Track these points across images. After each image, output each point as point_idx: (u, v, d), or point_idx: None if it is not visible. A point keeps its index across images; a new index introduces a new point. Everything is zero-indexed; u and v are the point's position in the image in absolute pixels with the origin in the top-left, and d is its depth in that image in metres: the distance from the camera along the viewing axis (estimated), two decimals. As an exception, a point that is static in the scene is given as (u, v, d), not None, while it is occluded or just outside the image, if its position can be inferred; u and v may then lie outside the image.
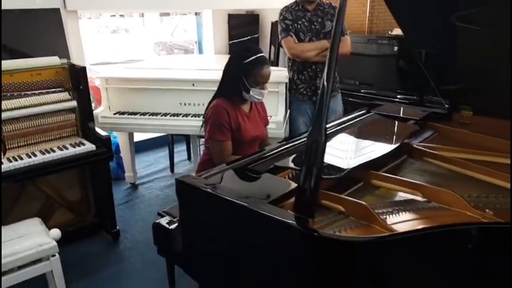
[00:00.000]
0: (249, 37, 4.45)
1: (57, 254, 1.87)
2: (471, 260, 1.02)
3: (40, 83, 2.36)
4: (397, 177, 1.39)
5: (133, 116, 2.90)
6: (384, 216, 1.21)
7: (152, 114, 2.90)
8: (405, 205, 1.28)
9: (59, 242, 1.91)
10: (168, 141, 3.60)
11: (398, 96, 3.49)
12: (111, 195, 2.60)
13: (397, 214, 1.23)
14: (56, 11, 2.56)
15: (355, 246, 0.94)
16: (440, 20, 1.71)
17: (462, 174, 1.50)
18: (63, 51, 2.55)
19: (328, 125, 1.87)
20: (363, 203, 1.19)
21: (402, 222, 1.18)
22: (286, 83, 2.79)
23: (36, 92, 2.33)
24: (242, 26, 4.42)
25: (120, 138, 3.23)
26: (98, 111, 2.92)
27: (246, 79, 1.84)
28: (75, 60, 2.68)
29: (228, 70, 1.92)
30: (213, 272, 1.29)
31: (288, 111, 2.90)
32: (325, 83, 1.13)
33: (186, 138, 3.80)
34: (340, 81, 3.02)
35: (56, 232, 1.94)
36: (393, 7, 1.68)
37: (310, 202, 1.01)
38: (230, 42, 4.36)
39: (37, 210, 2.45)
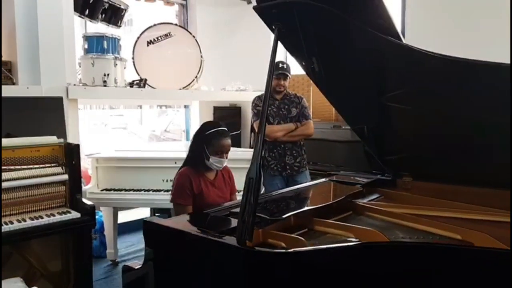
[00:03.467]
0: (232, 133, 4.89)
1: (33, 312, 1.97)
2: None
3: (38, 158, 2.65)
4: (333, 221, 1.63)
5: (118, 192, 3.16)
6: (318, 249, 1.42)
7: (136, 190, 3.16)
8: (337, 242, 1.50)
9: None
10: (152, 220, 3.78)
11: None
12: (90, 264, 2.72)
13: (329, 248, 1.44)
14: (59, 99, 2.98)
15: (276, 256, 1.16)
16: (373, 100, 2.08)
17: (395, 223, 1.74)
18: (61, 132, 2.90)
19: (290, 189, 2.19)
20: (299, 237, 1.42)
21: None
22: (258, 161, 3.12)
23: (35, 166, 2.62)
24: (226, 117, 4.91)
25: (104, 215, 3.43)
26: (87, 187, 3.18)
27: (206, 148, 2.11)
28: (71, 139, 3.02)
29: (193, 141, 2.22)
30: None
31: (263, 187, 3.18)
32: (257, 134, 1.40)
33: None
34: (322, 165, 3.38)
35: (34, 292, 2.06)
36: (329, 93, 2.05)
37: (248, 227, 1.24)
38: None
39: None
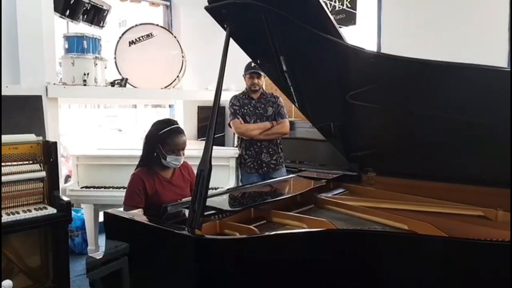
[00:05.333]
0: (216, 135, 4.92)
1: (5, 303, 2.03)
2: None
3: (16, 155, 2.70)
4: (289, 213, 1.70)
5: (97, 189, 3.21)
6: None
7: (116, 187, 3.22)
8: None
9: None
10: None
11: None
12: (67, 259, 2.78)
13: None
14: (38, 98, 3.03)
15: (222, 243, 1.22)
16: (338, 98, 2.15)
17: (351, 215, 1.82)
18: (40, 130, 2.96)
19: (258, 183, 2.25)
20: (253, 227, 1.49)
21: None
22: (235, 158, 3.20)
23: (13, 163, 2.67)
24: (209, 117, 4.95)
25: (85, 212, 3.48)
26: (67, 185, 3.23)
27: (162, 147, 2.10)
28: (51, 138, 3.07)
29: (146, 140, 2.19)
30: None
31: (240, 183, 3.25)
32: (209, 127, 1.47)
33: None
34: (308, 164, 3.47)
35: (8, 283, 2.12)
36: (296, 92, 2.11)
37: (197, 217, 1.31)
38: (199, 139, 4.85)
39: (-4, 274, 2.61)
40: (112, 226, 1.54)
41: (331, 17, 1.43)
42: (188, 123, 4.82)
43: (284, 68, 1.97)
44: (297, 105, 2.17)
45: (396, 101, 1.96)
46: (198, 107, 4.87)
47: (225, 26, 1.51)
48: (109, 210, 1.55)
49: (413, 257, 1.22)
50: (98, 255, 1.63)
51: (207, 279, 1.30)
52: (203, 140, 4.49)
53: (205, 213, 1.59)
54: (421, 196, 2.01)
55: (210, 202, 1.80)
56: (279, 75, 2.02)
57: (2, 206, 2.56)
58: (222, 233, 1.56)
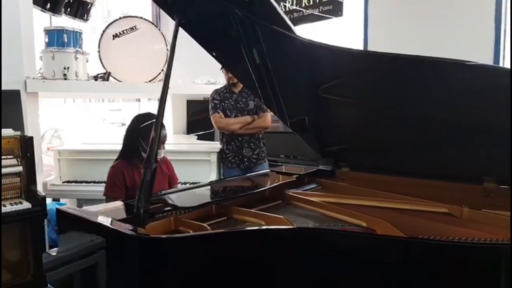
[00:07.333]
0: (206, 131, 4.87)
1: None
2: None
3: (-8, 150, 2.71)
4: (250, 210, 1.67)
5: (79, 184, 3.20)
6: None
7: (97, 182, 3.21)
8: (247, 230, 1.54)
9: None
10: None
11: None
12: (43, 252, 2.77)
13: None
14: (17, 92, 3.01)
15: (165, 242, 1.20)
16: (310, 92, 2.10)
17: (314, 212, 1.78)
18: (19, 125, 2.94)
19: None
20: (205, 225, 1.46)
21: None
22: (217, 152, 3.17)
23: (-11, 159, 2.66)
24: (200, 111, 4.91)
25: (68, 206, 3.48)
26: (48, 179, 3.22)
27: (143, 141, 2.13)
28: (31, 133, 3.05)
29: (127, 134, 2.22)
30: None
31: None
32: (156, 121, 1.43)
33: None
34: (299, 159, 3.43)
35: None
36: (270, 87, 2.06)
37: (141, 214, 1.28)
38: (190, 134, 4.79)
39: (-25, 269, 2.61)
40: (64, 224, 1.52)
41: (282, 13, 1.38)
42: (176, 117, 4.79)
43: (258, 61, 1.93)
44: (262, 101, 2.11)
45: (368, 96, 1.92)
46: (187, 101, 4.83)
47: (174, 17, 1.47)
48: (61, 207, 1.52)
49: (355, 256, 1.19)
50: (54, 251, 1.61)
51: (152, 279, 1.27)
52: (193, 134, 4.47)
53: (164, 209, 1.59)
54: (393, 192, 1.97)
55: (173, 197, 1.80)
56: (247, 69, 1.98)
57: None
58: (177, 230, 1.53)
